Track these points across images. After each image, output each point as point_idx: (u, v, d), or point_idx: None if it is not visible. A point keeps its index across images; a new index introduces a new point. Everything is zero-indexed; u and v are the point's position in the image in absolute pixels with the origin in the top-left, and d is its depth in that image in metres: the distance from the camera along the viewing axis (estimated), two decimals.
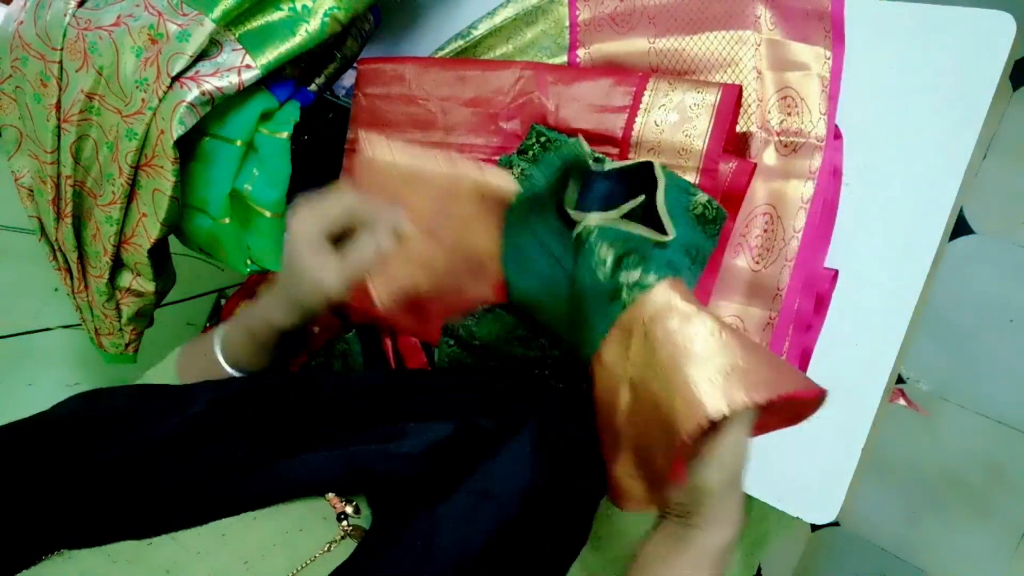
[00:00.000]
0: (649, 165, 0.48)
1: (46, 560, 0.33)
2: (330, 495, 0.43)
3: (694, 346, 0.39)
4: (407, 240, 0.48)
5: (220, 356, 0.54)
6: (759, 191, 0.57)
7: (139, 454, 0.39)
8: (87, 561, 0.34)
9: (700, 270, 0.54)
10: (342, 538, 0.40)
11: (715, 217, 0.52)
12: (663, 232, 0.46)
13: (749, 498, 0.59)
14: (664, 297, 0.42)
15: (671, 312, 0.41)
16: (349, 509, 0.43)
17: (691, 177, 0.53)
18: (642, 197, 0.48)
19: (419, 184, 0.49)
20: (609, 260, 0.43)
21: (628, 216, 0.47)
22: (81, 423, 0.40)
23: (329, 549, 0.39)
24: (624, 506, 0.47)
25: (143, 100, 0.58)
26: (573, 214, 0.47)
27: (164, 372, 0.57)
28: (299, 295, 0.49)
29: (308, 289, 0.49)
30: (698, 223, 0.52)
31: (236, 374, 0.54)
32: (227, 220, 0.65)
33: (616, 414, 0.44)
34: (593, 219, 0.45)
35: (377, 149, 0.49)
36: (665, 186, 0.47)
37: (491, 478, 0.44)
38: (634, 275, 0.43)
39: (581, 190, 0.49)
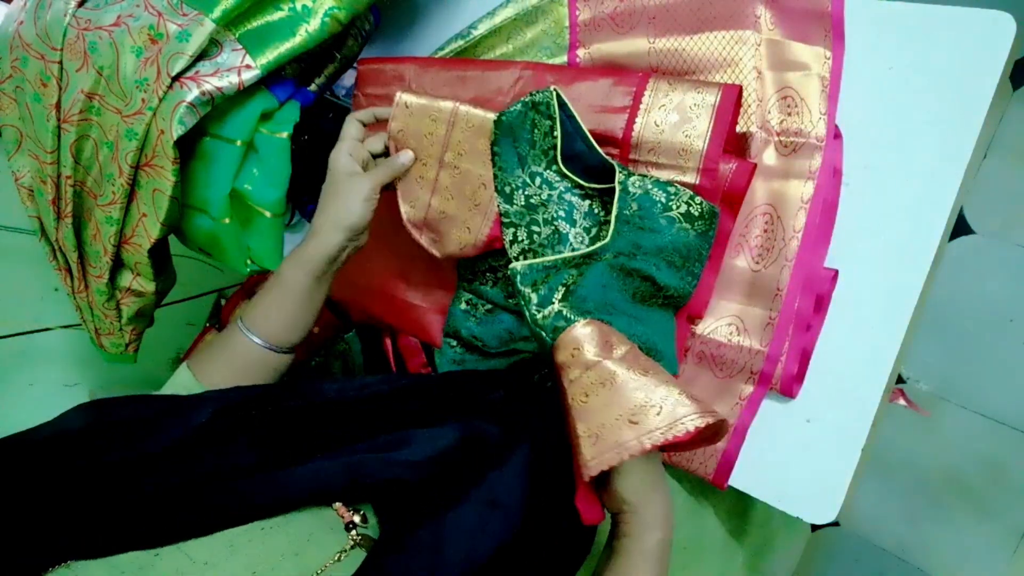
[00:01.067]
0: (613, 170, 0.53)
1: (51, 572, 0.33)
2: (337, 504, 0.43)
3: (588, 400, 0.44)
4: (420, 164, 0.58)
5: (251, 336, 0.54)
6: (759, 191, 0.57)
7: (144, 463, 0.39)
8: (93, 573, 0.33)
9: (700, 267, 0.54)
10: (351, 548, 0.40)
11: (703, 213, 0.52)
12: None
13: (752, 501, 0.59)
14: (570, 344, 0.46)
15: (574, 362, 0.45)
16: (356, 518, 0.43)
17: (691, 177, 0.53)
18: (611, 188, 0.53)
19: (432, 119, 0.57)
20: (534, 300, 0.49)
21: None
22: (86, 433, 0.40)
23: (339, 559, 0.39)
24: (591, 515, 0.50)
25: (143, 100, 0.58)
26: (572, 176, 0.55)
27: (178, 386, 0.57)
28: (339, 211, 0.55)
29: (347, 200, 0.55)
30: (684, 221, 0.52)
31: (272, 349, 0.55)
32: (227, 220, 0.65)
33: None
34: (519, 265, 0.50)
35: (402, 95, 0.58)
36: (620, 193, 0.52)
37: (500, 488, 0.44)
38: (550, 313, 0.48)
39: (575, 158, 0.55)
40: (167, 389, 0.57)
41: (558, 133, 0.54)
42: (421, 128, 0.58)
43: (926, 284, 0.53)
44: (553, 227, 0.56)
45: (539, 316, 0.48)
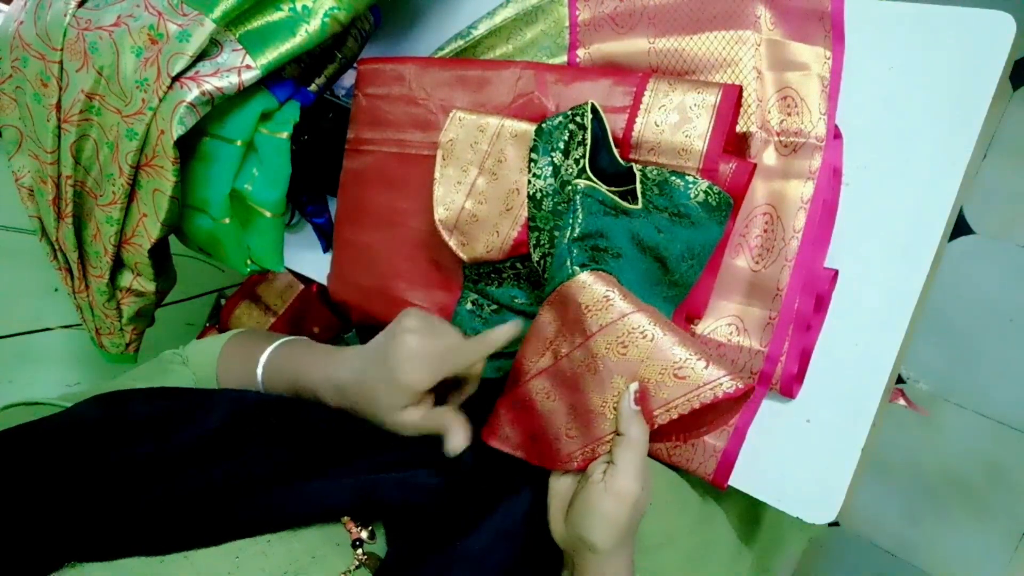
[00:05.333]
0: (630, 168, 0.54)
1: (58, 572, 0.32)
2: (346, 519, 0.43)
3: (627, 352, 0.42)
4: (461, 170, 0.60)
5: (260, 376, 0.52)
6: (759, 191, 0.57)
7: (158, 464, 0.38)
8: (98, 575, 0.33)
9: (707, 257, 0.54)
10: (356, 568, 0.40)
11: (719, 203, 0.52)
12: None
13: (758, 503, 0.59)
14: (602, 285, 0.44)
15: (606, 306, 0.43)
16: (364, 535, 0.42)
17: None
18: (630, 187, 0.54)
19: (480, 130, 0.60)
20: (578, 228, 0.47)
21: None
22: (100, 428, 0.40)
23: None
24: (489, 441, 0.48)
25: (143, 100, 0.58)
26: (584, 179, 0.55)
27: (206, 353, 0.56)
28: (366, 397, 0.45)
29: (382, 396, 0.44)
30: (702, 211, 0.52)
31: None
32: (227, 220, 0.65)
33: (525, 370, 0.47)
34: (583, 182, 0.49)
35: (457, 111, 0.62)
36: (640, 178, 0.53)
37: (513, 517, 0.44)
38: (586, 255, 0.45)
39: (601, 169, 0.55)
40: (195, 349, 0.57)
41: (588, 141, 0.55)
42: (468, 138, 0.61)
43: (926, 284, 0.53)
44: None
45: (573, 240, 0.45)
